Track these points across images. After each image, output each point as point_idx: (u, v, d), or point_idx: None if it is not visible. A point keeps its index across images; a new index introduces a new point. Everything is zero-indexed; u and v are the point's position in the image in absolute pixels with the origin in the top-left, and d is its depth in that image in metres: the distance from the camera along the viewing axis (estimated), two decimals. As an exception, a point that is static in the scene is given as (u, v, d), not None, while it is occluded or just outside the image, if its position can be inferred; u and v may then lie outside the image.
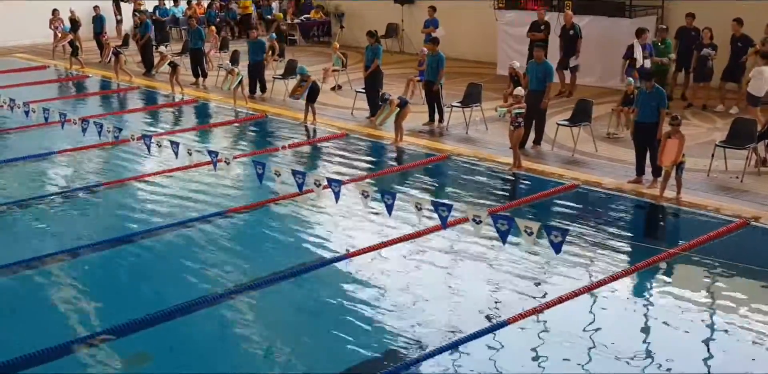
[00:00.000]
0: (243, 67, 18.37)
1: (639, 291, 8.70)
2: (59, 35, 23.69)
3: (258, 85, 18.11)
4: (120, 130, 12.03)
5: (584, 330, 7.75)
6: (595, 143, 13.25)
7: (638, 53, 14.58)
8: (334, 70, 18.63)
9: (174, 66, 18.52)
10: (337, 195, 9.10)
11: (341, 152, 13.74)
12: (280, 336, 7.82)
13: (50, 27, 23.91)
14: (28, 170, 13.16)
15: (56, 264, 9.36)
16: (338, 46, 19.34)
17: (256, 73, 18.03)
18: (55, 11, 23.60)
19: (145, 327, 7.81)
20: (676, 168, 10.74)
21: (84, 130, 12.67)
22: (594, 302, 8.31)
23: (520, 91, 12.46)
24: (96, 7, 22.87)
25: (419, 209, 8.45)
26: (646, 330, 7.85)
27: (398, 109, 13.87)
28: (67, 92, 19.58)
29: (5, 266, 9.20)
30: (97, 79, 20.76)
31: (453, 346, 7.38)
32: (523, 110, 12.20)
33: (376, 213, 10.36)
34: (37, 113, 13.46)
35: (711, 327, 7.84)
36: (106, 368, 7.26)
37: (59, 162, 13.51)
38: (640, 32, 14.86)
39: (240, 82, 17.11)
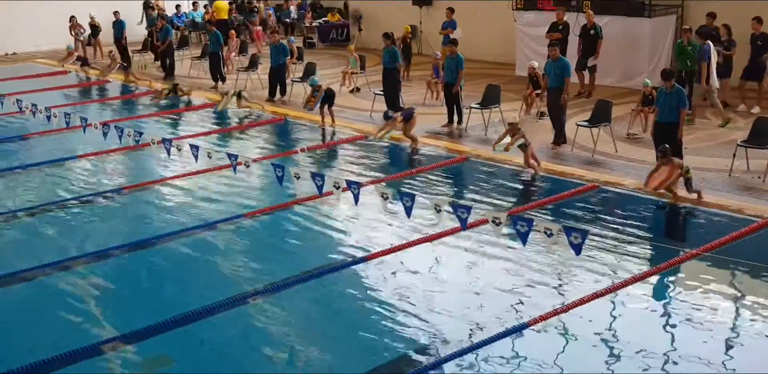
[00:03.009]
0: (264, 71, 18.51)
1: (661, 292, 8.64)
2: (81, 40, 23.98)
3: (279, 89, 18.17)
4: (140, 134, 12.10)
5: (606, 332, 7.71)
6: (615, 144, 13.19)
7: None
8: (352, 73, 18.67)
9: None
10: (356, 197, 9.11)
11: (360, 154, 13.76)
12: (302, 338, 7.83)
13: (71, 33, 24.14)
14: (50, 174, 13.26)
15: (79, 267, 9.43)
16: (353, 48, 19.37)
17: (278, 77, 18.09)
18: (72, 18, 23.80)
19: (167, 329, 7.86)
20: (685, 183, 10.59)
21: (105, 134, 12.78)
22: (616, 303, 8.26)
23: (515, 119, 12.17)
24: (116, 13, 23.03)
25: (438, 211, 8.44)
26: (668, 331, 7.80)
27: (402, 123, 13.78)
28: (87, 97, 19.70)
29: (29, 269, 9.29)
30: (117, 84, 20.89)
31: (474, 348, 7.36)
32: (524, 141, 11.97)
33: (396, 215, 10.38)
34: (58, 118, 13.59)
35: (733, 328, 7.78)
36: (129, 370, 7.30)
37: (81, 166, 13.62)
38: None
39: (237, 96, 16.88)
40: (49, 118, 13.87)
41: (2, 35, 25.09)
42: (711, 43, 14.10)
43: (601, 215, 10.51)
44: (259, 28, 24.19)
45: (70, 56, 22.84)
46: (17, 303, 8.78)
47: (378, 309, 8.28)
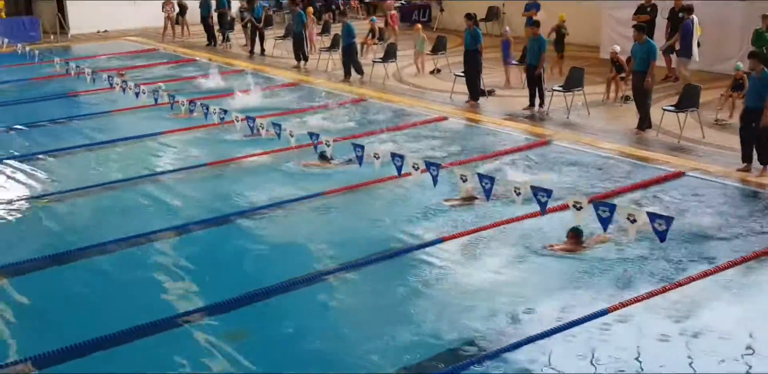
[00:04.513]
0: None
1: (738, 287, 8.25)
2: (171, 18, 24.55)
3: (353, 69, 18.27)
4: (225, 111, 12.30)
5: (674, 327, 7.47)
6: (702, 130, 12.84)
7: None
8: (427, 54, 18.56)
9: None
10: (435, 179, 9.10)
11: (439, 136, 13.70)
12: (378, 317, 7.88)
13: (162, 10, 24.74)
14: (137, 149, 13.64)
15: (161, 241, 9.70)
16: (420, 27, 19.18)
17: (348, 57, 18.21)
18: None
19: (247, 303, 8.06)
20: None
21: (191, 111, 13.06)
22: (685, 297, 7.95)
23: None
24: (203, -8, 23.42)
25: (517, 194, 8.36)
26: (741, 328, 7.50)
27: None
28: (173, 75, 20.08)
29: (112, 241, 9.60)
30: (203, 62, 21.26)
31: (533, 340, 7.24)
32: None
33: (473, 198, 10.35)
34: (146, 95, 13.92)
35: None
36: (205, 343, 7.48)
37: (166, 142, 13.94)
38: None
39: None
40: (137, 94, 14.23)
41: (94, 13, 25.77)
42: (695, 17, 14.64)
43: (687, 203, 10.24)
44: (394, 11, 23.76)
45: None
46: (102, 275, 9.06)
47: (443, 293, 8.27)
